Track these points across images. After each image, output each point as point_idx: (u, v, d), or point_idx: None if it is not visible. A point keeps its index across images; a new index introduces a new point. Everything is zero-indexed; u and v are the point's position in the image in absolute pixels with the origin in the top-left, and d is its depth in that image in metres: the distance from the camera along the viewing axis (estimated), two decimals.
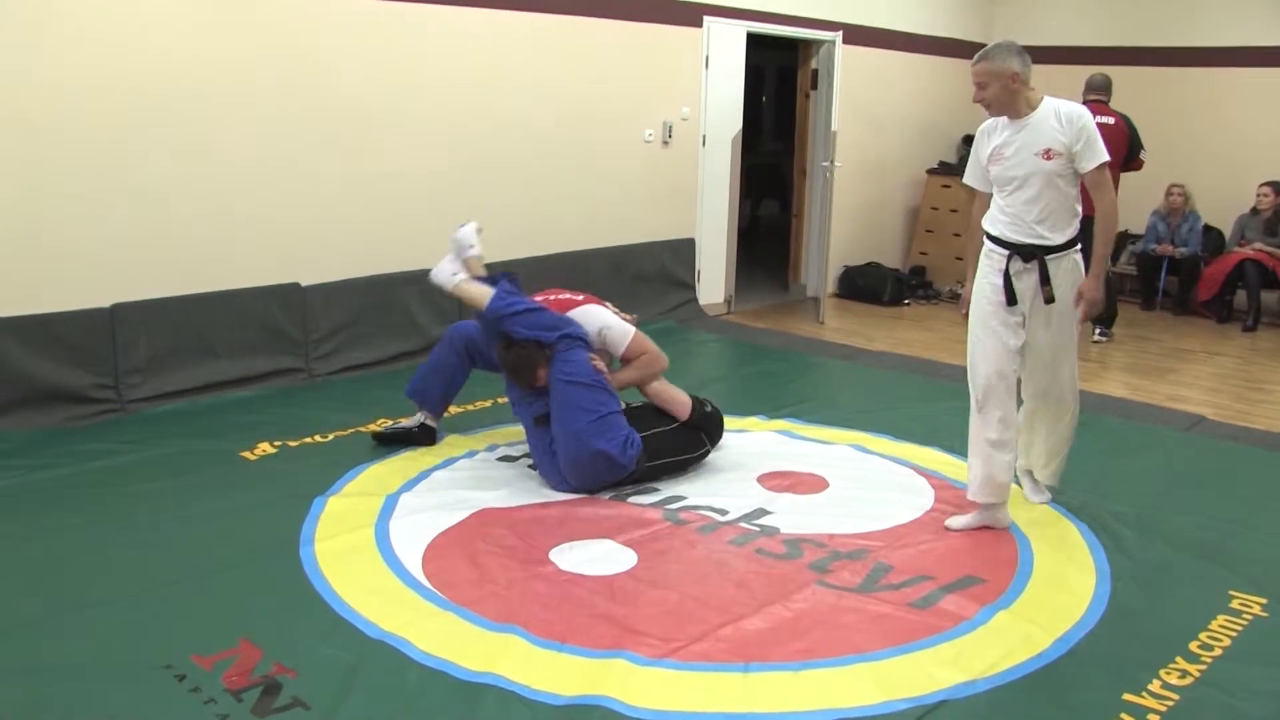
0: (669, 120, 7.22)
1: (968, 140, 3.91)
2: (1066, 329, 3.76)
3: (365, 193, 5.67)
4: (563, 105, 6.53)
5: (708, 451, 4.38)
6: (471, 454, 4.47)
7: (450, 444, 4.57)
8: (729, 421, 4.68)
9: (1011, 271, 3.68)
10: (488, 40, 6.08)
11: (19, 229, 4.56)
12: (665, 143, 7.23)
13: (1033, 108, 3.61)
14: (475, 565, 3.43)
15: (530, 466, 4.28)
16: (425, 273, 4.49)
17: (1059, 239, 3.65)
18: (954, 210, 8.78)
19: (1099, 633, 3.12)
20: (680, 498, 4.04)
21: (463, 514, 3.83)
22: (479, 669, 2.81)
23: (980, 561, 3.58)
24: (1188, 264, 8.21)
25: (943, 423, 4.95)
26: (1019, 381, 3.82)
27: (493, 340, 4.20)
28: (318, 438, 4.61)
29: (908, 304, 8.56)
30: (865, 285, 8.61)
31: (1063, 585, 3.42)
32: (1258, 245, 7.94)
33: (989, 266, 3.75)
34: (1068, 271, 3.69)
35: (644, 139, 7.10)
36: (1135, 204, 7.94)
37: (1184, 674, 2.89)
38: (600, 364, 4.14)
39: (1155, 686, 2.83)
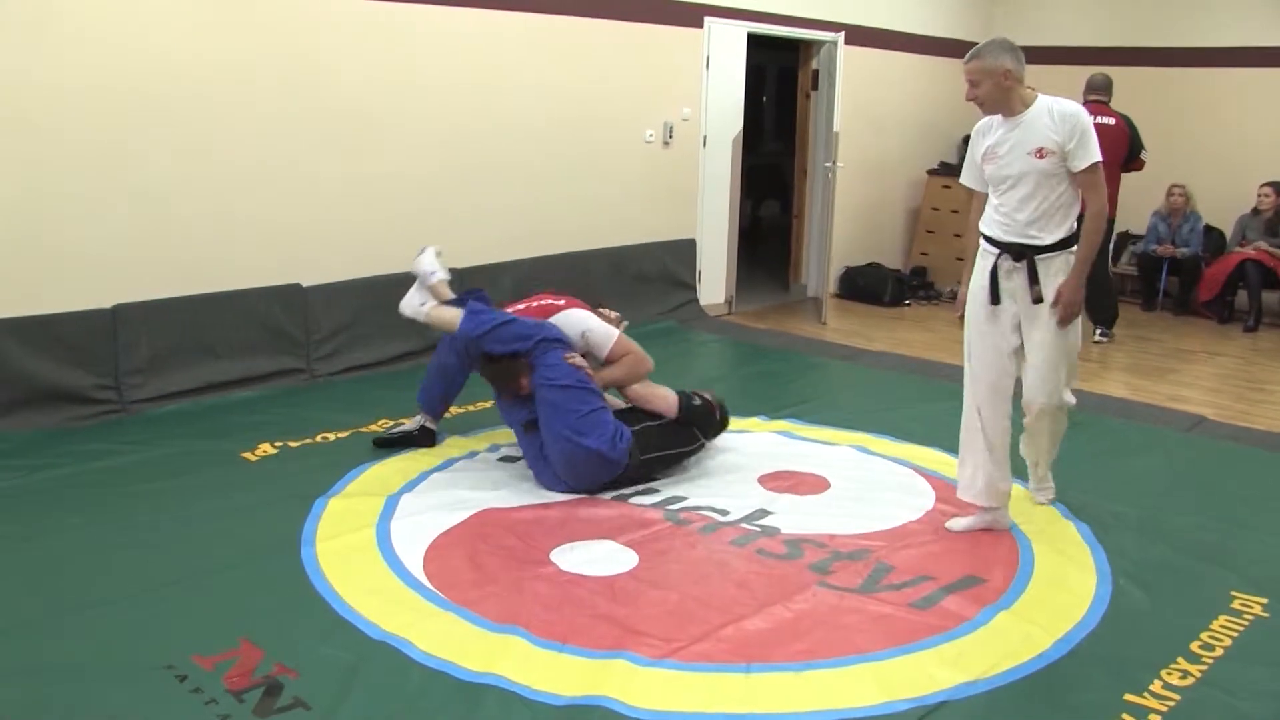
0: (670, 121, 7.22)
1: (968, 140, 3.88)
2: (1060, 330, 3.69)
3: (366, 193, 5.67)
4: (564, 106, 6.53)
5: (702, 445, 4.37)
6: (472, 455, 4.47)
7: (451, 444, 4.57)
8: (729, 422, 4.67)
9: (1001, 270, 3.65)
10: (489, 40, 6.08)
11: (20, 229, 4.56)
12: (666, 143, 7.23)
13: (1027, 106, 3.55)
14: (476, 566, 3.43)
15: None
16: (440, 265, 4.49)
17: (1050, 239, 3.59)
18: (955, 211, 8.77)
19: (1100, 633, 3.12)
20: (681, 498, 4.04)
21: (464, 514, 3.83)
22: (480, 669, 2.81)
23: (981, 562, 3.58)
24: (1189, 264, 8.21)
25: (943, 423, 4.92)
26: (1018, 382, 3.80)
27: (473, 360, 4.24)
28: (319, 438, 4.61)
29: (908, 304, 8.56)
30: (866, 286, 8.61)
31: (1063, 586, 3.41)
32: (1259, 245, 7.94)
33: (982, 266, 3.73)
34: (1059, 271, 3.61)
35: (645, 139, 7.10)
36: (1136, 204, 7.94)
37: (1185, 674, 2.89)
38: (579, 360, 4.14)
39: (1156, 687, 2.82)
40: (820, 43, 8.06)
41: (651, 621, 3.09)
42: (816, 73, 8.22)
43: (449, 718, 2.61)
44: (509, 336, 4.09)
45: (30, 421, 4.56)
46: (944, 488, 4.20)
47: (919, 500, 4.12)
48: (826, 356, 6.57)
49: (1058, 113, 3.52)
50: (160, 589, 3.21)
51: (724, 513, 3.91)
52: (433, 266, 4.42)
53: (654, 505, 3.97)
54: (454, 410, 4.80)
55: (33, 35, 4.49)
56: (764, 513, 3.93)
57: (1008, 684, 2.83)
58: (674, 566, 3.47)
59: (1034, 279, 3.60)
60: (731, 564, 3.50)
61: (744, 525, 3.82)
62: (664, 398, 4.28)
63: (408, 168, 5.84)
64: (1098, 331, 7.26)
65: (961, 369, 3.87)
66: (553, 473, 4.04)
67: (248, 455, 4.39)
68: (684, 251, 7.49)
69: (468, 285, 5.79)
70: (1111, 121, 6.71)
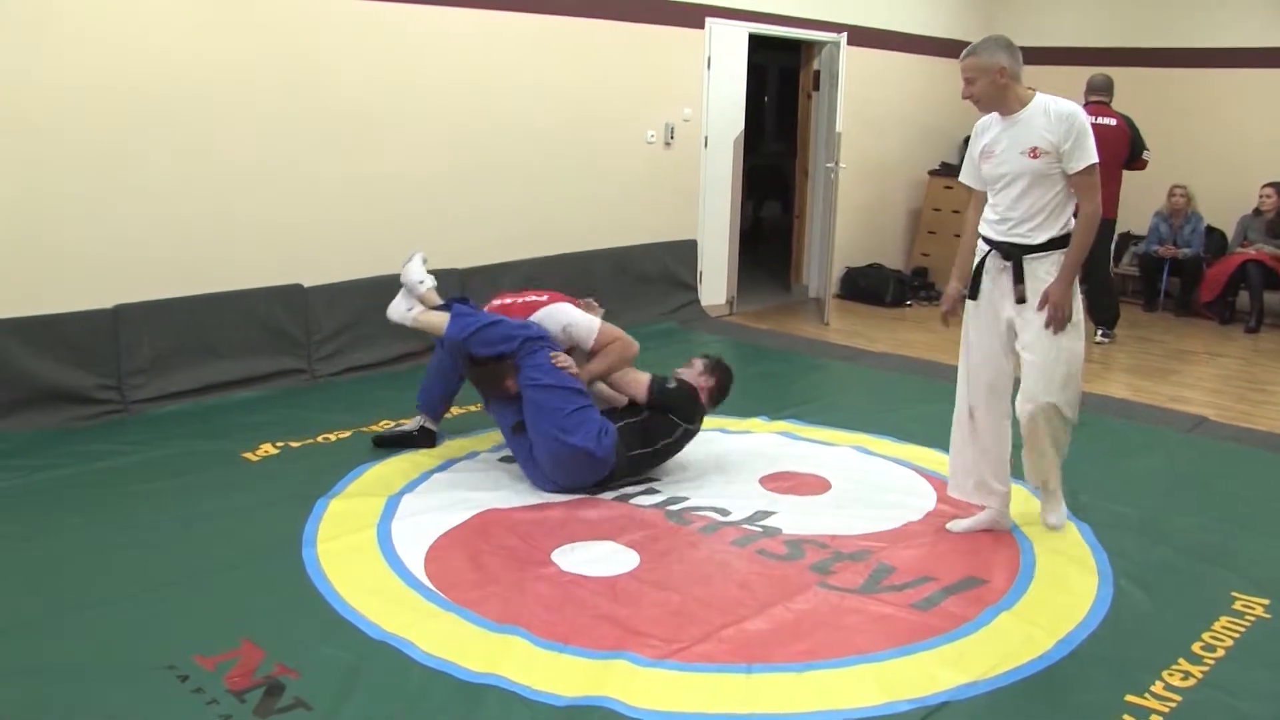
0: (671, 121, 7.22)
1: (969, 140, 3.86)
2: (1052, 333, 3.57)
3: (366, 193, 5.67)
4: (565, 106, 6.53)
5: (686, 430, 4.26)
6: (473, 455, 4.47)
7: (452, 445, 4.57)
8: (730, 423, 4.68)
9: (989, 268, 3.61)
10: (489, 41, 6.08)
11: (21, 229, 4.56)
12: (667, 144, 7.23)
13: (1024, 104, 3.50)
14: (477, 566, 3.43)
15: None
16: (427, 274, 4.50)
17: (1040, 239, 3.51)
18: (956, 211, 8.76)
19: (1101, 634, 3.11)
20: (682, 499, 4.04)
21: (465, 515, 3.82)
22: (481, 670, 2.80)
23: (982, 563, 3.58)
24: (1190, 265, 8.20)
25: (945, 424, 4.88)
26: (1017, 383, 3.77)
27: (461, 363, 4.25)
28: (320, 438, 4.61)
29: (910, 305, 8.56)
30: (867, 286, 8.60)
31: (1064, 586, 3.41)
32: (1260, 246, 7.94)
33: (975, 262, 3.70)
34: (1049, 273, 3.51)
35: (646, 140, 7.10)
36: (1137, 205, 7.95)
37: (1186, 675, 2.89)
38: (564, 359, 4.13)
39: (1157, 688, 2.82)
40: (822, 43, 8.06)
41: (653, 622, 3.08)
42: (818, 73, 8.22)
43: (450, 718, 2.60)
44: (495, 338, 4.10)
45: (31, 421, 4.56)
46: (945, 489, 4.19)
47: (920, 501, 4.12)
48: (828, 357, 6.56)
49: (1054, 112, 3.47)
50: (161, 589, 3.21)
51: (725, 513, 3.91)
52: (420, 275, 4.46)
53: (655, 506, 3.97)
54: (454, 410, 4.80)
55: (33, 35, 4.49)
56: (765, 513, 3.92)
57: (1009, 685, 2.83)
58: (675, 567, 3.47)
59: (1019, 278, 3.54)
60: (733, 564, 3.50)
61: (745, 526, 3.81)
62: (637, 379, 4.25)
63: (408, 168, 5.84)
64: (1099, 332, 7.26)
65: None
66: (542, 473, 4.05)
67: (249, 455, 4.38)
68: (685, 252, 7.49)
69: (469, 286, 5.81)
70: (1112, 122, 6.71)
